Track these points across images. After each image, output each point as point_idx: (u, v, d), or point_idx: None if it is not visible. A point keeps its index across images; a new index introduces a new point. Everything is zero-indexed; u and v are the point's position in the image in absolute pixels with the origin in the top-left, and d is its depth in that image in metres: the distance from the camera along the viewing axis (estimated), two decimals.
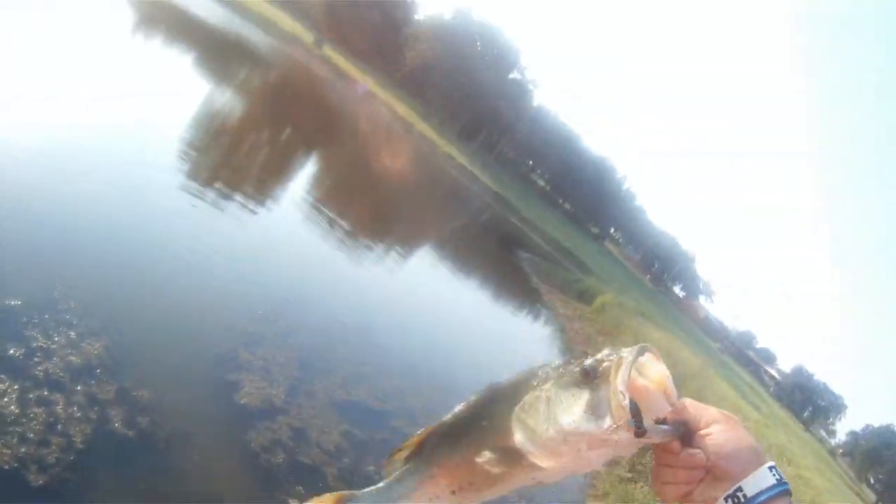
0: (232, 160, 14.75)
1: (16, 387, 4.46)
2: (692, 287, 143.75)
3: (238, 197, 11.84)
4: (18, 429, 4.20)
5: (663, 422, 1.06)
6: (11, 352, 4.75)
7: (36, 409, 4.39)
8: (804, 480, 17.06)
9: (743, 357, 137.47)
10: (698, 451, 1.07)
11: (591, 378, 1.04)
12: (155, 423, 4.96)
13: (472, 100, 75.49)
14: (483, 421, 1.11)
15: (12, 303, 5.25)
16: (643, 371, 1.06)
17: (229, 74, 26.29)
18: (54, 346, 5.03)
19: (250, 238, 10.70)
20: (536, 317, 22.73)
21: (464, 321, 15.79)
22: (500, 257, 31.95)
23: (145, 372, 5.51)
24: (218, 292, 8.19)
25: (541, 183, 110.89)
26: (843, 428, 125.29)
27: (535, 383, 1.09)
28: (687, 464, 1.07)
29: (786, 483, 1.03)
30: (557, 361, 1.13)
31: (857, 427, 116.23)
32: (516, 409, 1.07)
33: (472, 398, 1.15)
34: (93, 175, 8.99)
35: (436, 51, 75.56)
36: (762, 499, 1.00)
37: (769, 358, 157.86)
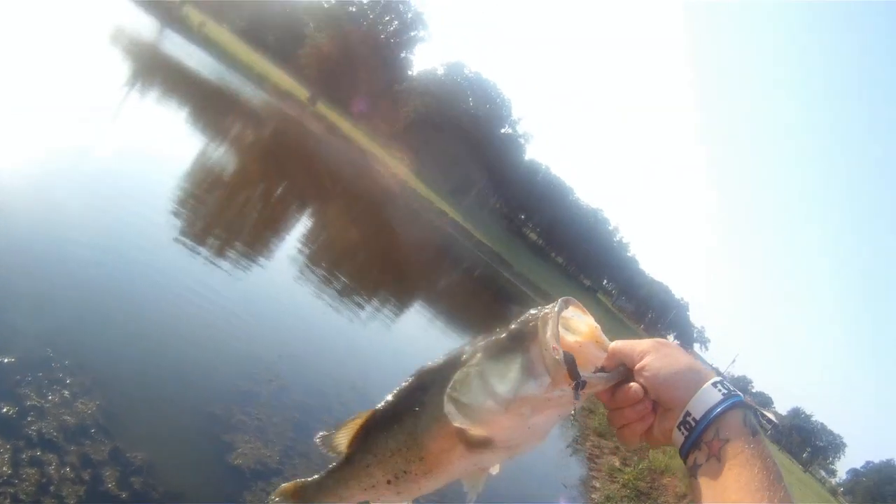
0: (225, 216, 14.75)
1: (8, 446, 4.37)
2: (686, 335, 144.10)
3: (231, 254, 11.83)
4: (10, 489, 4.10)
5: (601, 370, 1.04)
6: (4, 410, 4.66)
7: (28, 470, 4.30)
8: None
9: None
10: (633, 384, 1.04)
11: (519, 341, 1.00)
12: (148, 484, 4.87)
13: (464, 155, 76.13)
14: (415, 406, 1.05)
15: (5, 360, 5.17)
16: (571, 326, 1.03)
17: (224, 129, 26.53)
18: (48, 405, 4.95)
19: (244, 295, 10.64)
20: None
21: None
22: (494, 312, 31.90)
23: (139, 432, 5.42)
24: (212, 350, 8.12)
25: (533, 236, 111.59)
26: (844, 466, 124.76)
27: (463, 359, 1.03)
28: (628, 401, 1.04)
29: (736, 395, 0.97)
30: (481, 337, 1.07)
31: (858, 464, 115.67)
32: (447, 390, 1.01)
33: (403, 384, 1.10)
34: (87, 231, 8.95)
35: (429, 107, 76.46)
36: (711, 417, 0.95)
37: (765, 402, 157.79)
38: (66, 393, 5.22)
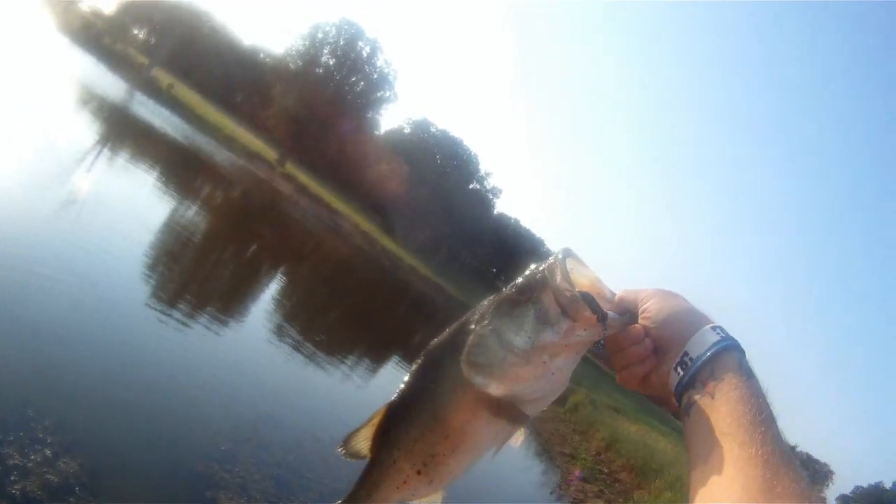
0: (199, 279, 14.74)
1: None
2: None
3: (206, 315, 11.79)
4: None
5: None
6: None
7: None
8: None
9: None
10: (635, 325, 1.06)
11: (529, 292, 1.01)
12: None
13: (434, 212, 76.58)
14: (430, 384, 1.03)
15: None
16: (574, 278, 1.02)
17: (194, 191, 26.53)
18: (30, 465, 4.89)
19: (220, 356, 10.61)
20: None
21: None
22: None
23: (122, 491, 5.38)
24: (192, 409, 8.08)
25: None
26: (833, 494, 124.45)
27: (472, 325, 1.03)
28: (630, 340, 1.05)
29: (732, 339, 0.99)
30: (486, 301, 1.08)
31: (847, 490, 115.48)
32: (462, 356, 0.99)
33: (413, 367, 1.08)
34: (63, 296, 8.88)
35: (397, 165, 76.99)
36: (706, 356, 0.96)
37: None
38: (49, 452, 5.17)
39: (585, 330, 0.99)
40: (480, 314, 1.04)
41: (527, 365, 0.96)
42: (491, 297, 1.06)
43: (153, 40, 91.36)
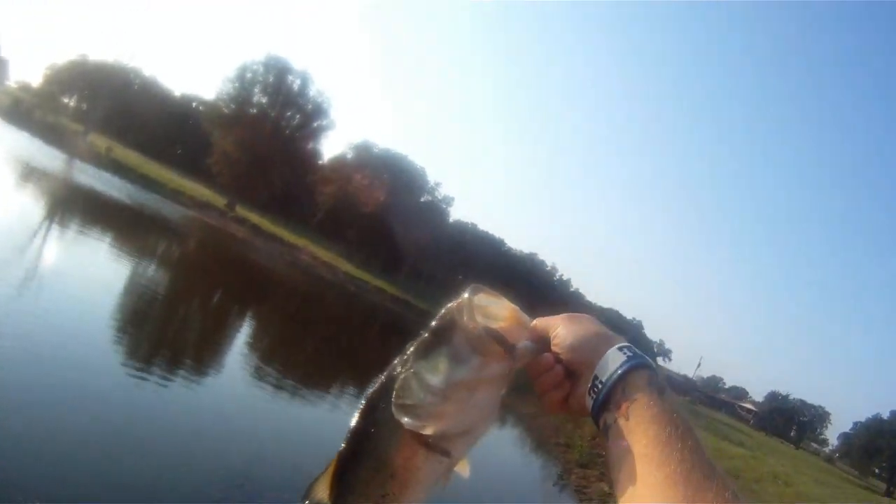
0: (168, 334, 15.00)
1: None
2: (647, 351, 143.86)
3: (184, 368, 12.12)
4: None
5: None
6: None
7: None
8: (805, 496, 17.28)
9: (716, 401, 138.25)
10: (546, 353, 1.10)
11: (441, 333, 1.05)
12: None
13: (390, 231, 76.54)
14: (370, 428, 1.07)
15: None
16: (491, 313, 1.06)
17: (150, 249, 26.64)
18: None
19: (204, 405, 10.92)
20: (503, 421, 22.98)
21: None
22: None
23: None
24: (182, 462, 8.37)
25: None
26: (833, 434, 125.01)
27: (398, 369, 1.07)
28: (541, 368, 1.09)
29: (640, 357, 1.00)
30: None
31: (846, 428, 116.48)
32: (392, 401, 1.03)
33: (354, 415, 1.12)
34: (41, 368, 9.14)
35: (344, 191, 76.80)
36: (615, 378, 0.97)
37: (740, 394, 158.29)
38: None
39: (497, 363, 1.02)
40: (404, 359, 1.08)
41: (446, 403, 1.00)
42: (412, 341, 1.11)
43: (84, 106, 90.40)
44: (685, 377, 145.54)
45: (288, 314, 27.12)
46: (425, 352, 1.03)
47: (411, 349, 1.07)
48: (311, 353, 20.83)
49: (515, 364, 1.03)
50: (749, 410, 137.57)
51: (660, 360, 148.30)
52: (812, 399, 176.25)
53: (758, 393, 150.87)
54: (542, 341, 1.11)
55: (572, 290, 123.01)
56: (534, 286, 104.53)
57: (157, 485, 7.43)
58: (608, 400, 0.96)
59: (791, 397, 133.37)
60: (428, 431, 0.99)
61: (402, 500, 1.03)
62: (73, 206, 28.05)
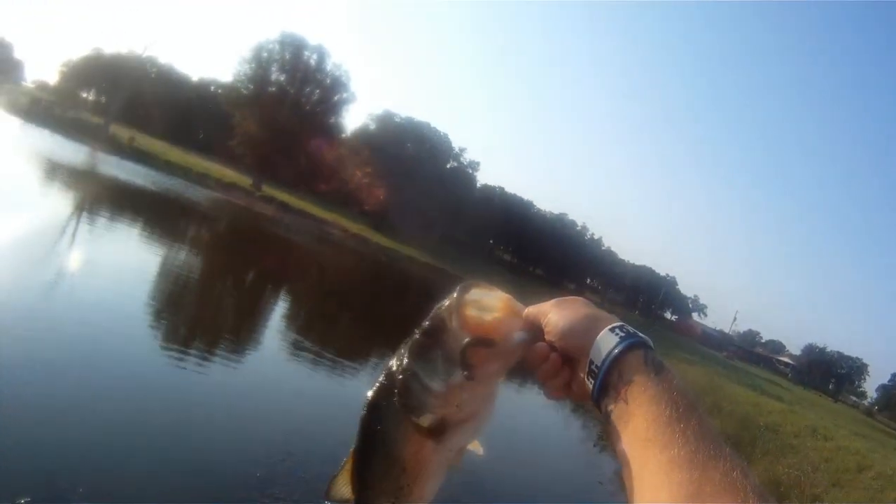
0: (206, 315, 14.90)
1: None
2: (682, 308, 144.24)
3: (224, 348, 12.08)
4: None
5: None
6: None
7: None
8: (844, 450, 17.00)
9: (753, 356, 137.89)
10: (540, 342, 1.06)
11: (434, 336, 1.06)
12: None
13: (418, 199, 76.34)
14: (377, 426, 1.09)
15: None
16: (485, 305, 1.06)
17: (180, 234, 26.62)
18: None
19: (244, 383, 10.81)
20: (538, 392, 22.80)
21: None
22: None
23: None
24: (226, 442, 8.24)
25: (507, 257, 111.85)
26: (872, 386, 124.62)
27: (396, 369, 1.09)
28: (537, 359, 1.07)
29: (634, 336, 0.97)
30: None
31: (885, 379, 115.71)
32: (395, 399, 1.06)
33: (361, 414, 1.13)
34: (77, 357, 9.04)
35: (369, 163, 76.67)
36: (609, 361, 0.94)
37: (778, 348, 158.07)
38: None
39: (490, 363, 1.03)
40: (401, 357, 1.09)
41: (447, 402, 1.02)
42: (407, 340, 1.11)
43: (103, 99, 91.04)
44: (721, 332, 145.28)
45: (322, 288, 26.99)
46: (420, 353, 1.07)
47: (406, 349, 1.10)
48: (347, 326, 20.69)
49: (510, 358, 1.06)
50: (787, 364, 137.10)
51: (695, 316, 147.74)
52: (849, 351, 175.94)
53: (795, 346, 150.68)
54: (536, 330, 1.08)
55: (604, 248, 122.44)
56: (564, 246, 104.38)
57: (201, 463, 7.30)
58: (606, 384, 0.95)
59: (828, 350, 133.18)
60: (430, 425, 1.03)
61: (417, 491, 1.09)
62: (100, 196, 28.08)
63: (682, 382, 0.90)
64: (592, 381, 0.97)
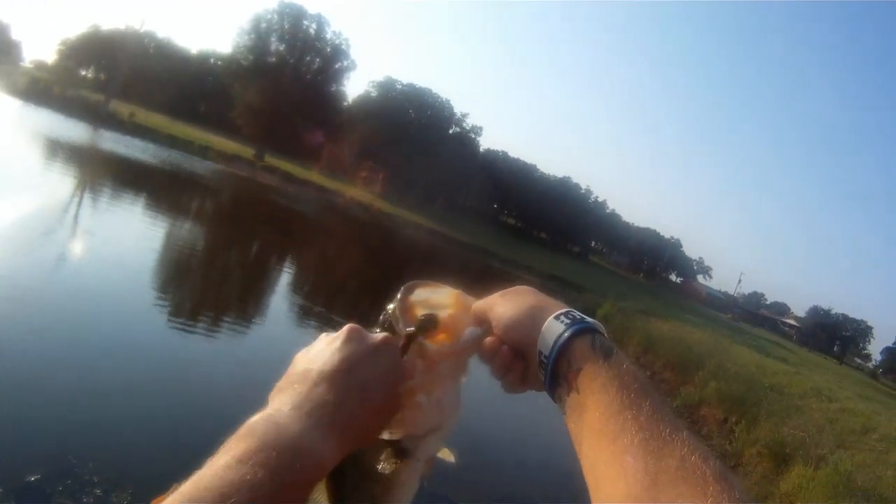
0: (215, 287, 14.97)
1: None
2: (686, 270, 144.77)
3: (235, 319, 12.25)
4: None
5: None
6: None
7: None
8: (849, 412, 17.02)
9: (757, 317, 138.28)
10: (488, 338, 1.03)
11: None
12: None
13: (421, 166, 76.24)
14: None
15: (33, 479, 5.24)
16: (434, 303, 1.05)
17: (184, 207, 26.64)
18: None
19: (256, 351, 10.81)
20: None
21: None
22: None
23: None
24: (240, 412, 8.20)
25: (511, 221, 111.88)
26: (877, 348, 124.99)
27: None
28: (488, 354, 1.03)
29: (581, 321, 0.93)
30: None
31: (889, 342, 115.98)
32: None
33: None
34: (83, 333, 9.01)
35: (372, 130, 76.52)
36: (556, 350, 0.91)
37: (782, 310, 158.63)
38: (99, 491, 5.29)
39: (442, 362, 1.00)
40: None
41: (405, 410, 0.98)
42: None
43: (102, 76, 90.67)
44: (726, 294, 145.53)
45: (328, 256, 27.07)
46: None
47: None
48: (355, 293, 20.71)
49: (464, 356, 1.04)
50: (791, 326, 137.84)
51: (700, 278, 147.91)
52: (854, 314, 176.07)
53: (800, 308, 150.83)
54: (486, 324, 1.04)
55: (608, 211, 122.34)
56: (568, 210, 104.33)
57: (203, 433, 7.24)
58: (556, 374, 0.92)
59: (833, 312, 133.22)
60: (396, 437, 1.01)
61: (390, 500, 1.06)
62: (103, 174, 28.03)
63: (632, 366, 0.88)
64: (543, 373, 0.94)
